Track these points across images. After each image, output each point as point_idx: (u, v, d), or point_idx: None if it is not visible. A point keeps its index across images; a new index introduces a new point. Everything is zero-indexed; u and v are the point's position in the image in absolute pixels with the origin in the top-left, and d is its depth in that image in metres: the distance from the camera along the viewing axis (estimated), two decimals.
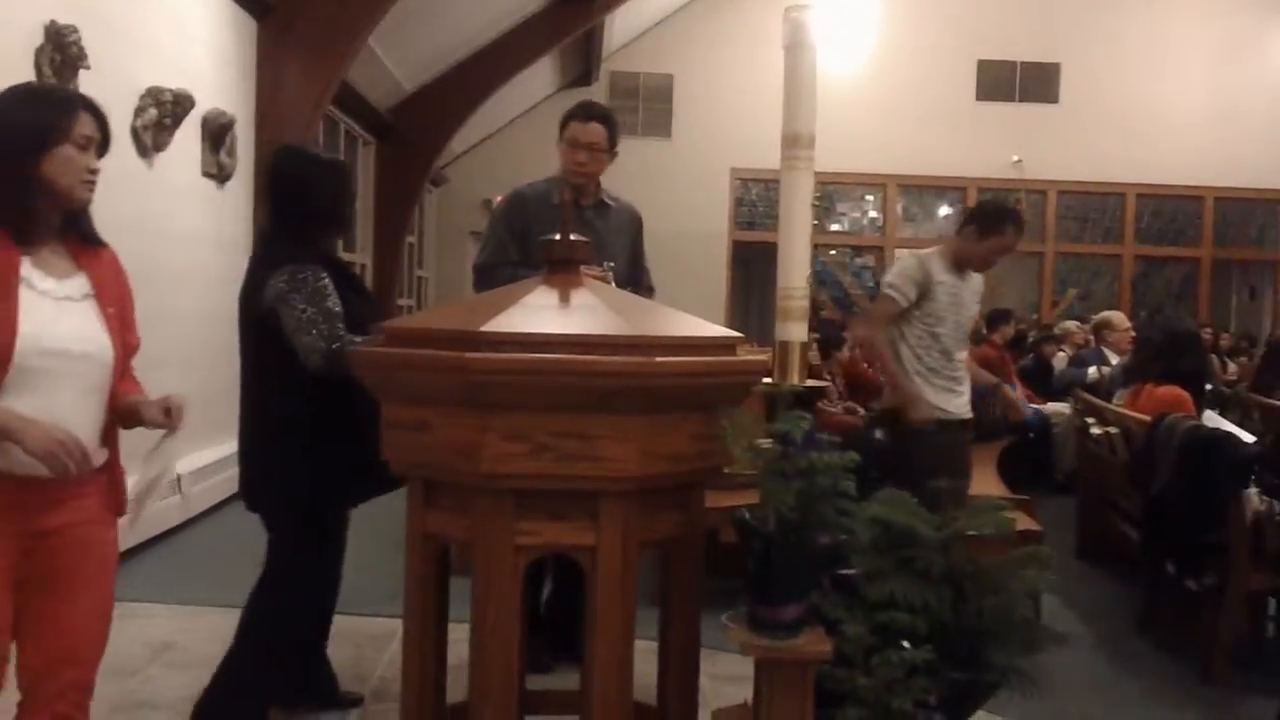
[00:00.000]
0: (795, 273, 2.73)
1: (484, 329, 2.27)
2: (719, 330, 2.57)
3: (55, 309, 2.19)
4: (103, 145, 2.27)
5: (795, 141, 2.71)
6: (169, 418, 2.32)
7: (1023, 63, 14.45)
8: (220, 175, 6.88)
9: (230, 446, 6.85)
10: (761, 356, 2.68)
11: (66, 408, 2.18)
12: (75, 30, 4.82)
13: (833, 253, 15.08)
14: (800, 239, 2.75)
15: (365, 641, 4.21)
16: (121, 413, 2.34)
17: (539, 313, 2.39)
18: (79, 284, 2.26)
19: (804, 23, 2.75)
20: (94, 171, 2.24)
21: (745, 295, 14.77)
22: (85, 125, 2.22)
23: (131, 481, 2.40)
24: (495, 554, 2.30)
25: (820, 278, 14.72)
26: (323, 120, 8.60)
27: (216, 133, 6.76)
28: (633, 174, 14.46)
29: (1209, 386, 6.68)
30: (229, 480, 6.77)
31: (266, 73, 7.44)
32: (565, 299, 2.47)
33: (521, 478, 2.26)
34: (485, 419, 2.24)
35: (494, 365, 2.22)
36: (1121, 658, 4.38)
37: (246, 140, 7.31)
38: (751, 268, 14.57)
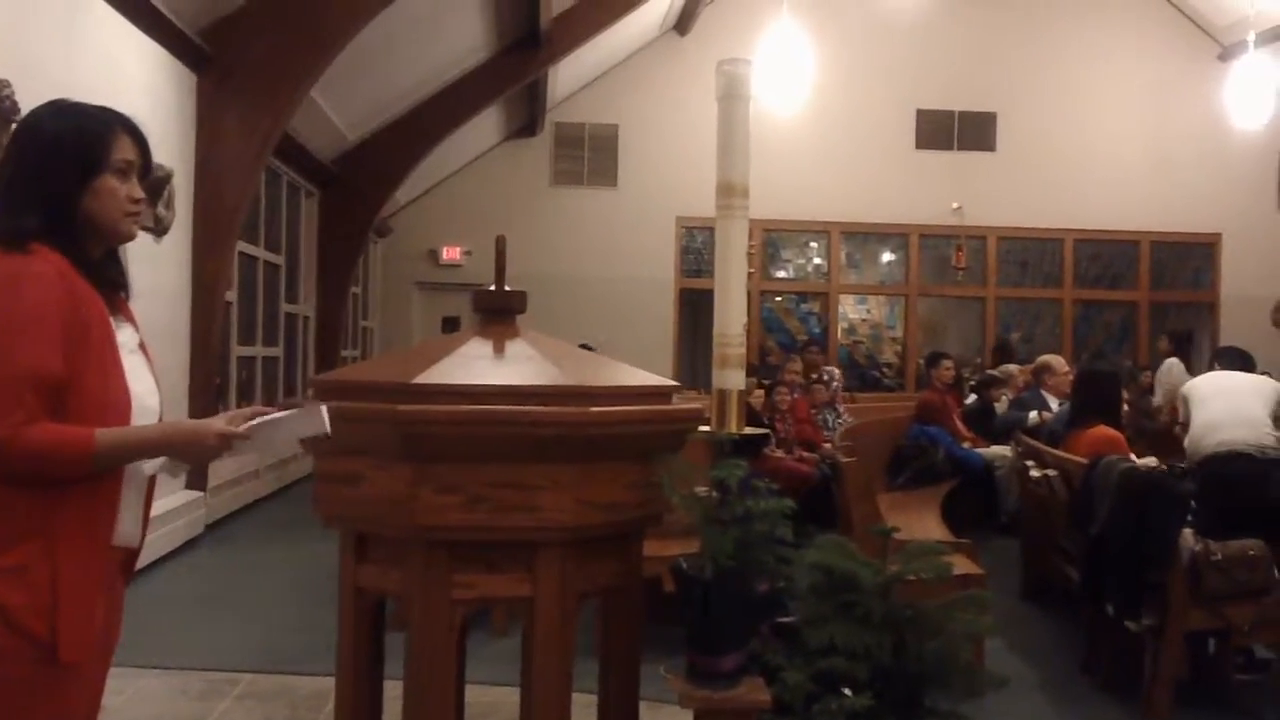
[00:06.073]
0: (732, 320, 2.75)
1: (417, 380, 2.25)
2: (654, 379, 2.57)
3: (133, 362, 2.00)
4: (144, 169, 2.03)
5: (730, 190, 2.75)
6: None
7: (960, 112, 14.73)
8: (159, 228, 6.81)
9: (173, 500, 6.81)
10: (697, 404, 2.68)
11: (148, 466, 2.02)
12: (9, 85, 4.77)
13: (779, 299, 15.19)
14: (736, 287, 2.77)
15: (299, 701, 4.12)
16: None
17: (474, 363, 2.38)
18: (131, 332, 2.05)
19: (738, 76, 2.79)
20: (137, 201, 2.00)
21: (693, 341, 14.80)
22: (125, 149, 1.98)
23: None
24: (430, 608, 2.27)
25: (767, 324, 14.81)
26: (264, 171, 8.55)
27: (154, 186, 6.69)
28: (580, 223, 14.59)
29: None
30: (167, 536, 6.63)
31: (206, 125, 7.39)
32: (500, 349, 2.46)
33: (456, 529, 2.24)
34: (419, 470, 2.22)
35: (427, 416, 2.20)
36: (1064, 699, 4.40)
37: (185, 193, 7.25)
38: (699, 314, 14.63)
